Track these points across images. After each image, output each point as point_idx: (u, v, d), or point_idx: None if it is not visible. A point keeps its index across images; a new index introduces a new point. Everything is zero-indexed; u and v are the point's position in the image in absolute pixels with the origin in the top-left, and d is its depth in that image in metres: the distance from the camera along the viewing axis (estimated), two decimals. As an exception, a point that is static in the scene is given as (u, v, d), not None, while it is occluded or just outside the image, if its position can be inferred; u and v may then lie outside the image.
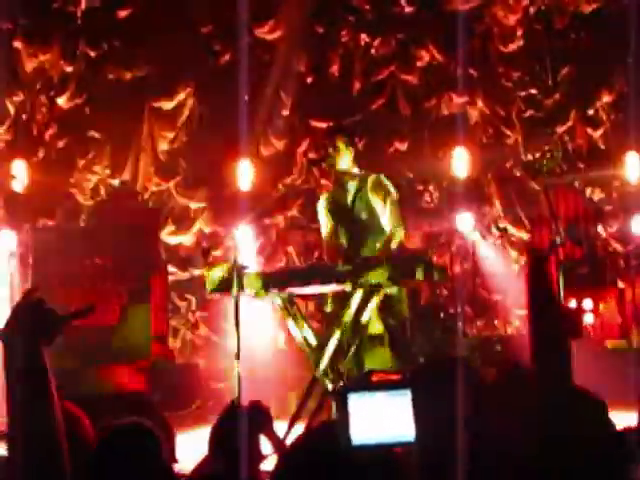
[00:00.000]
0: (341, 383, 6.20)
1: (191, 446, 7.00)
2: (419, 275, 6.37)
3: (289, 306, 6.60)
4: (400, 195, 6.98)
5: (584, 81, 11.54)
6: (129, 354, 9.41)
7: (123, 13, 11.36)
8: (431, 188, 11.59)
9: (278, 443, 3.96)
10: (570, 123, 11.56)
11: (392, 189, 6.79)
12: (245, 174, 9.89)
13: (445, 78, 11.74)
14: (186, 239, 11.38)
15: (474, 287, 10.06)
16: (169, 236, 11.33)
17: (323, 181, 10.21)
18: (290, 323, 6.63)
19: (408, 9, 11.76)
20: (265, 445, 3.85)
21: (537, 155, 11.09)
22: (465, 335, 9.27)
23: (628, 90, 11.02)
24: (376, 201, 6.69)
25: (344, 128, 7.20)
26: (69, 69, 11.30)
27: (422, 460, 2.44)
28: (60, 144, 11.26)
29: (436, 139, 11.43)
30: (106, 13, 11.29)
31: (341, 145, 6.70)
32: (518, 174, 11.52)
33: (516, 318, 10.61)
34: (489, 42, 11.83)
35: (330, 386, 6.28)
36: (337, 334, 6.32)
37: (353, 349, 6.38)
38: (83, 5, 11.26)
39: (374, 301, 6.26)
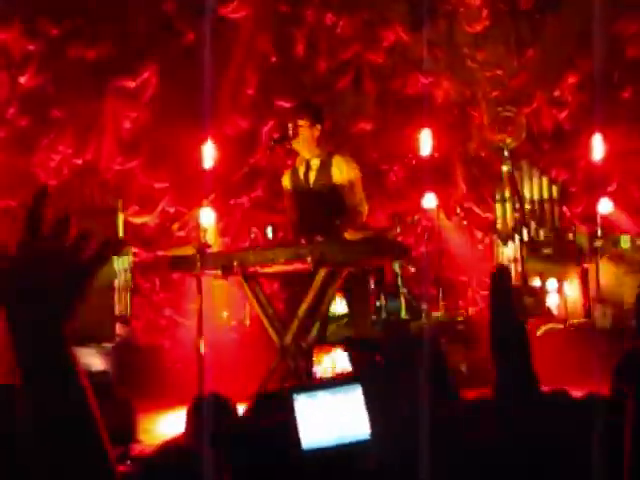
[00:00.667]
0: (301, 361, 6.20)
1: (154, 427, 7.01)
2: (383, 254, 6.38)
3: (253, 285, 6.59)
4: (364, 174, 6.96)
5: (549, 62, 11.56)
6: (92, 335, 9.34)
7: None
8: (396, 168, 11.59)
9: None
10: (535, 105, 11.58)
11: (356, 168, 6.78)
12: (209, 154, 9.83)
13: (410, 58, 11.71)
14: (150, 219, 11.30)
15: (439, 267, 10.07)
16: (133, 216, 11.24)
17: (288, 162, 10.19)
18: (254, 302, 6.62)
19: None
20: None
21: (502, 136, 11.10)
22: (429, 315, 9.29)
23: (593, 71, 11.06)
24: (340, 180, 6.68)
25: (309, 105, 7.13)
26: (31, 47, 11.16)
27: (381, 459, 2.29)
28: (22, 123, 11.13)
29: (401, 119, 11.41)
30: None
31: (304, 123, 6.67)
32: (483, 154, 11.53)
33: (480, 299, 10.63)
34: (455, 22, 11.81)
35: (293, 364, 6.27)
36: (300, 313, 6.31)
37: (316, 329, 6.37)
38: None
39: (337, 280, 6.26)
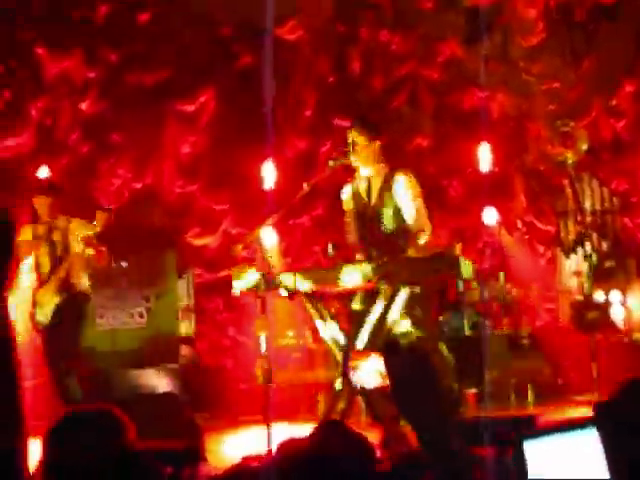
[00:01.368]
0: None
1: (219, 447, 7.06)
2: (446, 272, 6.35)
3: (317, 305, 6.58)
4: (424, 191, 6.95)
5: (605, 71, 11.46)
6: (157, 356, 9.44)
7: (143, 16, 11.38)
8: (455, 183, 11.55)
9: None
10: (592, 115, 11.48)
11: (417, 185, 6.76)
12: (269, 174, 9.86)
13: (466, 73, 11.69)
14: (211, 241, 11.38)
15: (502, 283, 10.00)
16: (194, 238, 11.33)
17: (348, 179, 10.19)
18: (318, 322, 6.61)
19: (428, 4, 11.72)
20: None
21: (562, 150, 11.02)
22: (493, 331, 9.24)
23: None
24: (401, 198, 6.67)
25: (366, 120, 7.08)
26: (91, 74, 11.32)
27: None
28: (84, 149, 11.28)
29: (458, 134, 11.37)
30: (126, 17, 11.31)
31: (362, 139, 6.66)
32: (542, 168, 11.45)
33: (543, 312, 10.55)
34: (509, 35, 11.77)
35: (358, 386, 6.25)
36: (364, 333, 6.31)
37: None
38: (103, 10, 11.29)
39: (401, 299, 6.24)
